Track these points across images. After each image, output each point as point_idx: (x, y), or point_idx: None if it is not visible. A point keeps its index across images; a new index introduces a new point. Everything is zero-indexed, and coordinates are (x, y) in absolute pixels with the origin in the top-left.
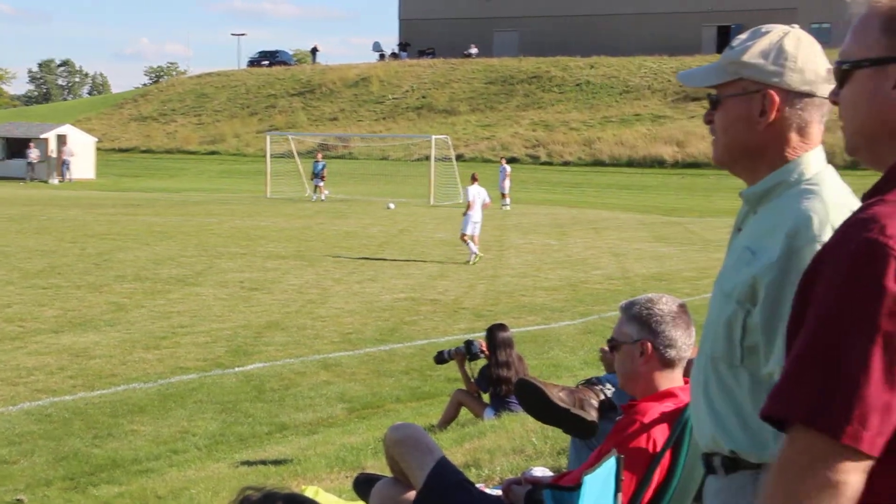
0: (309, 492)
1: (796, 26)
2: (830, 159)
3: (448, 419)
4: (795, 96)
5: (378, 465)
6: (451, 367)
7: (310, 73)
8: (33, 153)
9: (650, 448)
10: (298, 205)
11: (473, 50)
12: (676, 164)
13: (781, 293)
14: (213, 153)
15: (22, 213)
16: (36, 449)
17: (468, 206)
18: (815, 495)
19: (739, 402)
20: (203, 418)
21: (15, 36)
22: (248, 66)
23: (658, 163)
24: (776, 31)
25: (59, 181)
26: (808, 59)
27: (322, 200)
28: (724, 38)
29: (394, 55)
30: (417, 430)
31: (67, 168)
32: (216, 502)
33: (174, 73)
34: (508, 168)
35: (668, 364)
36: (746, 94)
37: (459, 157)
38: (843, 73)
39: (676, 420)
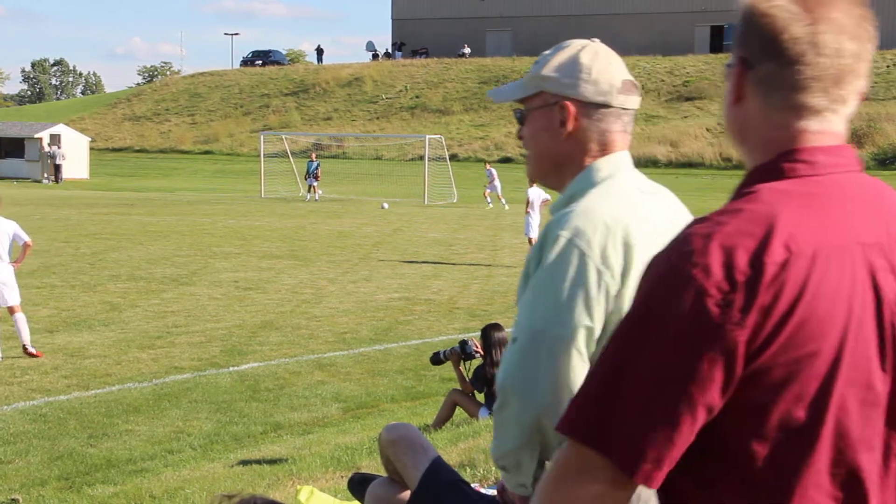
0: (304, 492)
1: (596, 40)
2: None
3: (443, 419)
4: (592, 107)
5: (373, 465)
6: (446, 367)
7: (303, 73)
8: (56, 151)
9: None
10: (293, 204)
11: (466, 50)
12: (670, 164)
13: (528, 270)
14: (206, 153)
15: (17, 212)
16: (31, 448)
17: (528, 206)
18: None
19: None
20: (198, 418)
21: (8, 36)
22: (242, 65)
23: (652, 162)
24: (575, 44)
25: (52, 181)
26: (602, 72)
27: (316, 200)
28: (717, 37)
29: (387, 55)
30: (412, 430)
31: (58, 168)
32: None
33: (168, 72)
34: (495, 171)
35: None
36: (547, 107)
37: (453, 157)
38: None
39: None
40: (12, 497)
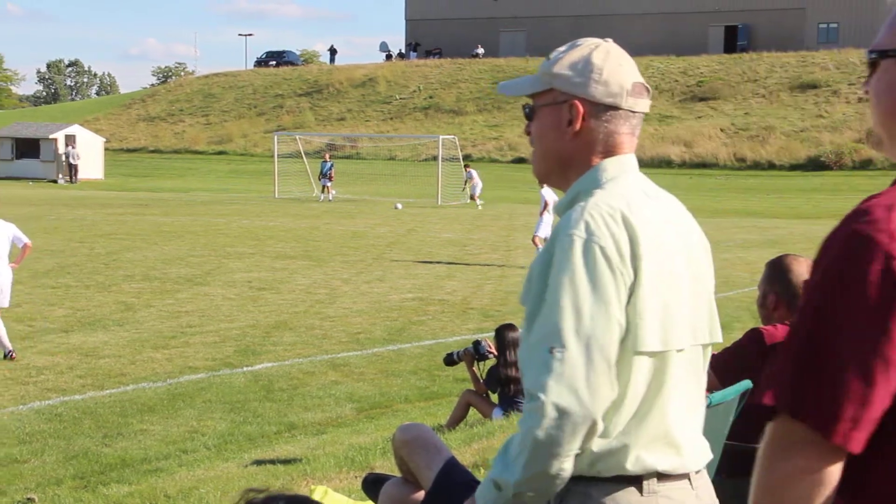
0: (318, 492)
1: (609, 40)
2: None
3: (457, 419)
4: (601, 108)
5: (387, 465)
6: (460, 368)
7: (317, 74)
8: (71, 152)
9: None
10: (306, 205)
11: (480, 50)
12: (684, 165)
13: (534, 274)
14: (220, 153)
15: (31, 212)
16: (46, 448)
17: (544, 207)
18: (789, 482)
19: None
20: (212, 418)
21: (23, 37)
22: (255, 66)
23: (666, 163)
24: (588, 43)
25: (67, 181)
26: (613, 73)
27: (330, 200)
28: (731, 37)
29: (400, 55)
30: (426, 431)
31: (73, 169)
32: (225, 502)
33: (182, 73)
34: (475, 172)
35: None
36: (556, 104)
37: (467, 158)
38: (871, 63)
39: None
40: (28, 496)
